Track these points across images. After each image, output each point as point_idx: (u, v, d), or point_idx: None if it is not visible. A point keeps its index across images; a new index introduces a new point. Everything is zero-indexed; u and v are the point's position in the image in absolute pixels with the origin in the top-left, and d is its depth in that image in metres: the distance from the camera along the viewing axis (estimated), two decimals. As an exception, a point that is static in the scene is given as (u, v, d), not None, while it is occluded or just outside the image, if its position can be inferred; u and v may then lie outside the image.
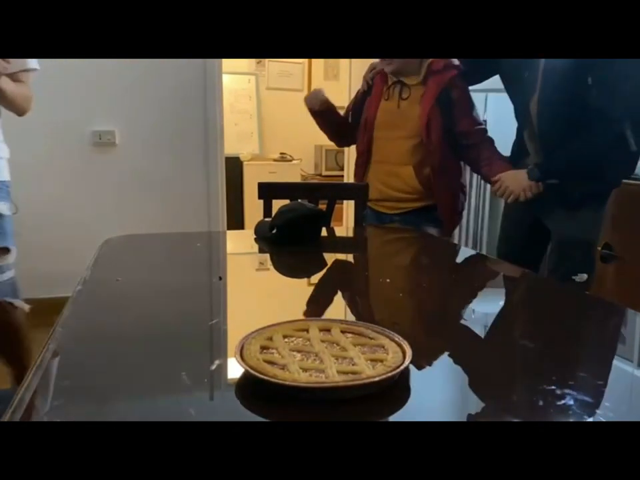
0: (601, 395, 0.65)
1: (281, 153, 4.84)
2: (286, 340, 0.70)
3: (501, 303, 1.07)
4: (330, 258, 1.38)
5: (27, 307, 1.81)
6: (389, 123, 1.90)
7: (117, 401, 0.61)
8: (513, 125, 1.92)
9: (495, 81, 2.01)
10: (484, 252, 3.73)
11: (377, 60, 2.00)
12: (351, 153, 3.79)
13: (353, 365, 0.63)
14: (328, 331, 0.73)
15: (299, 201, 1.51)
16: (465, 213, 3.86)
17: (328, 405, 0.58)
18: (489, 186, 3.90)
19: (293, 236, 1.35)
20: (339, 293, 1.11)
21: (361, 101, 2.02)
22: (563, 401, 0.60)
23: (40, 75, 2.92)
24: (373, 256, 1.48)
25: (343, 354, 0.66)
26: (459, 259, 1.54)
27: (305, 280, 1.20)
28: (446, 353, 0.77)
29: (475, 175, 3.74)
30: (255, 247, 1.43)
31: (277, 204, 1.52)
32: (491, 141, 1.93)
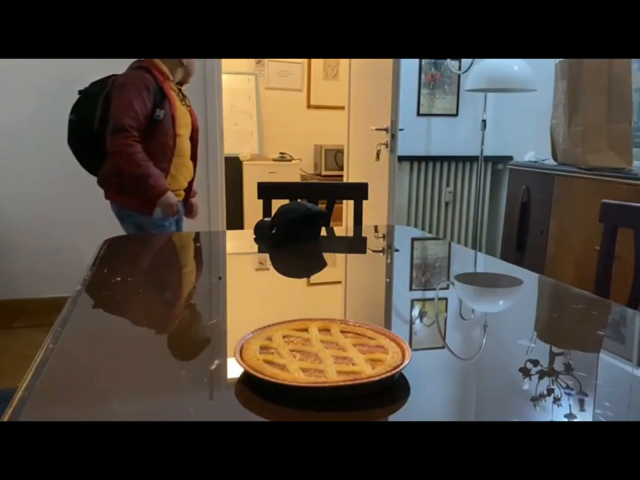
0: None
1: (281, 153, 4.84)
2: (285, 340, 0.70)
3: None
4: (330, 258, 1.38)
5: None
6: (185, 122, 2.23)
7: (116, 401, 0.61)
8: (513, 124, 1.90)
9: (495, 80, 1.99)
10: (483, 252, 3.73)
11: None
12: (350, 153, 3.79)
13: (352, 364, 0.63)
14: (327, 330, 0.73)
15: (299, 201, 1.51)
16: (464, 214, 3.87)
17: (328, 405, 0.58)
18: (488, 186, 3.92)
19: (292, 236, 1.35)
20: (338, 293, 1.11)
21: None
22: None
23: (41, 74, 2.93)
24: (373, 255, 1.47)
25: (343, 354, 0.66)
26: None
27: (305, 280, 1.19)
28: (446, 353, 0.77)
29: (473, 175, 3.74)
30: (255, 247, 1.43)
31: (277, 204, 1.52)
32: None
